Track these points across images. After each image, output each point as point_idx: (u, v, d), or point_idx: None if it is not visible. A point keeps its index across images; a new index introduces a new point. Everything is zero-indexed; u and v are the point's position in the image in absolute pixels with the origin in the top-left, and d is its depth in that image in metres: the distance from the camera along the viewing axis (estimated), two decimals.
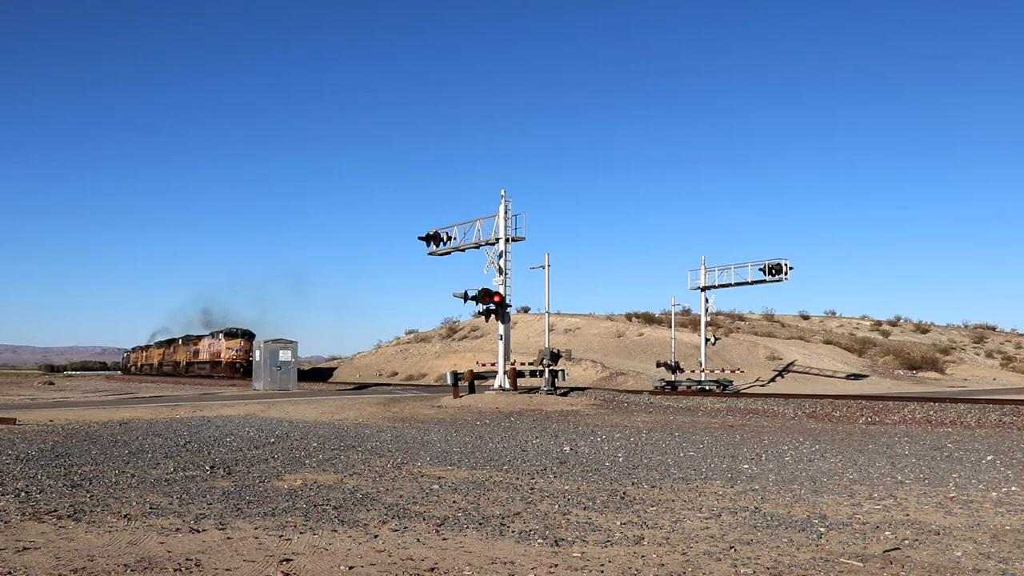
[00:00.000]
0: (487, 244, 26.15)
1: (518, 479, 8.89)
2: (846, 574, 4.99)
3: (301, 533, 6.00)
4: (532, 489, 8.17)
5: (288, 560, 5.20)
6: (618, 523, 6.49)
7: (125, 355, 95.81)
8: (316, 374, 59.28)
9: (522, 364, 28.58)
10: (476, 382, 26.61)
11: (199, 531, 6.01)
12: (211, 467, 9.53)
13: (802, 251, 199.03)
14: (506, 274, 25.52)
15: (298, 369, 61.46)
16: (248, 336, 53.23)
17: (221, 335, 55.27)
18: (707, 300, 34.84)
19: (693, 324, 46.83)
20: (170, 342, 71.36)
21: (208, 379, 52.17)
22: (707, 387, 32.14)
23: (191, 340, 63.65)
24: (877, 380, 42.50)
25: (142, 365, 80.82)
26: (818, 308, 74.01)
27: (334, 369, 61.17)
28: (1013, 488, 8.34)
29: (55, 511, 6.71)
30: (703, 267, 34.68)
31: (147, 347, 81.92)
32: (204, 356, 57.91)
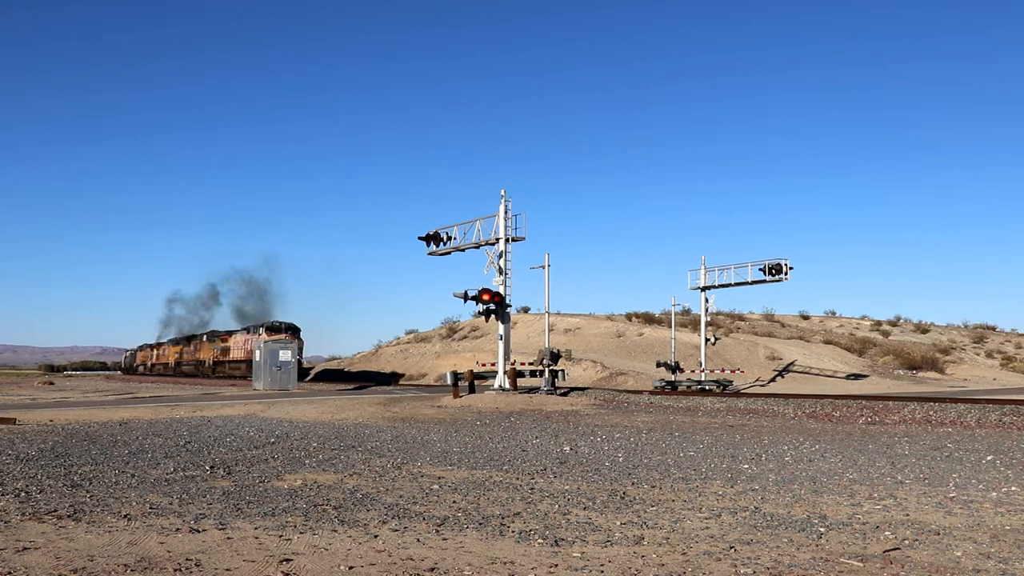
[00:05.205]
0: (487, 244, 26.15)
1: (518, 479, 8.89)
2: (846, 574, 4.98)
3: (301, 533, 6.00)
4: (532, 489, 8.17)
5: (288, 560, 5.19)
6: (618, 523, 6.49)
7: (129, 354, 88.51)
8: (367, 377, 49.27)
9: (522, 364, 28.58)
10: (476, 382, 26.60)
11: (199, 531, 6.01)
12: (211, 467, 9.53)
13: (802, 251, 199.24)
14: (506, 274, 25.52)
15: (346, 371, 56.34)
16: (294, 331, 46.78)
17: (261, 329, 47.81)
18: (707, 300, 34.83)
19: (693, 324, 46.81)
20: (190, 339, 64.49)
21: (243, 380, 44.42)
22: (707, 387, 32.12)
23: (219, 336, 57.07)
24: (877, 380, 42.49)
25: (153, 365, 73.34)
26: (818, 308, 74.08)
27: (399, 375, 49.30)
28: (1013, 488, 8.34)
29: (55, 511, 6.70)
30: (703, 267, 34.67)
31: (158, 345, 75.05)
32: (238, 354, 50.90)
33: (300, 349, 47.05)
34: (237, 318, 75.05)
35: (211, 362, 57.04)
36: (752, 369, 42.52)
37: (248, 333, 50.80)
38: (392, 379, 47.22)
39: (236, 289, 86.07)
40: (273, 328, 47.51)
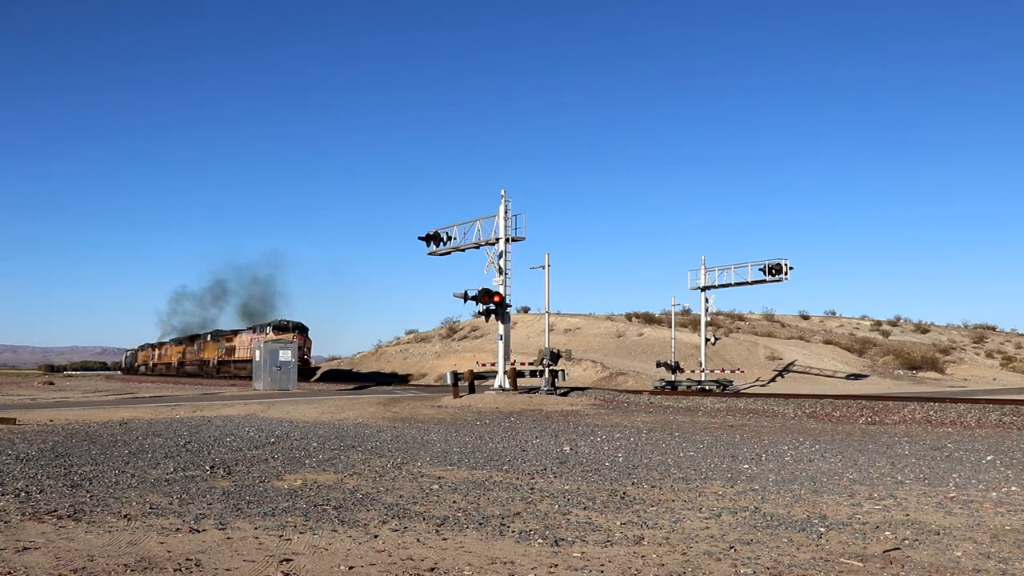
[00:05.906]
0: (487, 244, 26.15)
1: (518, 479, 8.89)
2: (846, 574, 4.98)
3: (301, 533, 6.00)
4: (532, 489, 8.17)
5: (288, 560, 5.20)
6: (618, 523, 6.49)
7: (129, 354, 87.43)
8: (369, 377, 48.35)
9: (522, 364, 28.58)
10: (476, 382, 26.61)
11: (199, 531, 6.01)
12: (211, 467, 9.53)
13: (802, 251, 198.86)
14: (506, 274, 25.52)
15: (354, 371, 55.76)
16: (302, 330, 46.24)
17: (269, 328, 46.40)
18: (707, 300, 34.84)
19: (693, 324, 46.82)
20: (193, 338, 63.51)
21: (249, 381, 41.01)
22: (707, 387, 32.13)
23: (223, 336, 55.91)
24: (877, 380, 42.49)
25: (154, 365, 72.22)
26: (818, 308, 74.13)
27: (400, 375, 48.45)
28: (1013, 488, 8.34)
29: (55, 511, 6.70)
30: (703, 267, 34.68)
31: (160, 344, 74.13)
32: (243, 354, 49.10)
33: (308, 348, 46.89)
34: (241, 316, 73.84)
35: (215, 362, 55.97)
36: (752, 369, 42.53)
37: (254, 332, 49.29)
38: (393, 379, 46.78)
39: (240, 288, 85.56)
40: (281, 327, 46.30)
